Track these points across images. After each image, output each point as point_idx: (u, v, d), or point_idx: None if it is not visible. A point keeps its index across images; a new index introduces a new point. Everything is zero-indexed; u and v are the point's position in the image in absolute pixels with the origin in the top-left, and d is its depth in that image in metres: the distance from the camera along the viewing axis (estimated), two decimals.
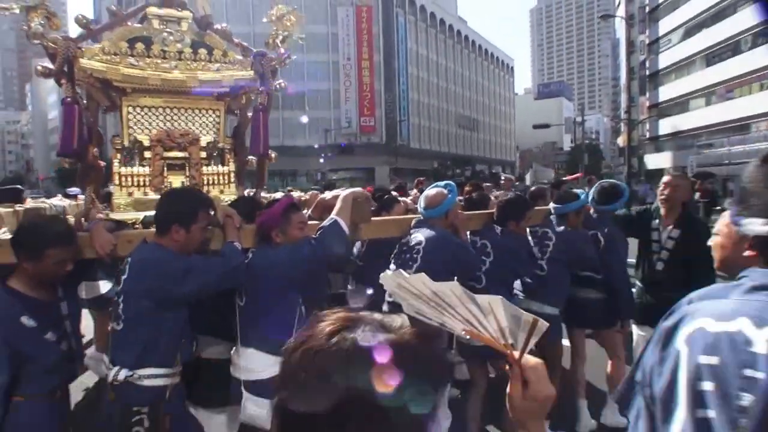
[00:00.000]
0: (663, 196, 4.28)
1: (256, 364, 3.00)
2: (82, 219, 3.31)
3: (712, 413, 1.10)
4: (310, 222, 3.29)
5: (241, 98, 4.02)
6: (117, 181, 3.63)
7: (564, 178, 16.68)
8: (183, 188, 3.48)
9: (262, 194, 4.27)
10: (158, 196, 3.18)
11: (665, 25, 49.09)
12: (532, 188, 5.71)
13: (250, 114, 3.98)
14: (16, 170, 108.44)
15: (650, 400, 1.32)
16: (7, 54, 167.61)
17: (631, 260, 4.55)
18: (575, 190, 4.80)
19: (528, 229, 4.38)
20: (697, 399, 1.14)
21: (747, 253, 1.75)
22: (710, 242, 1.90)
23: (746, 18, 37.13)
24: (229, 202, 3.66)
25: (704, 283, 1.75)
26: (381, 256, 3.94)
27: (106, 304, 5.05)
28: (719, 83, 42.00)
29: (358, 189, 3.69)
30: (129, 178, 3.63)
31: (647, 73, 52.33)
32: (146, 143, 3.64)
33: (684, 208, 4.32)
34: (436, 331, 1.04)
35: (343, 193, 3.44)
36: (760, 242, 1.41)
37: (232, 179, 3.95)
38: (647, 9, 51.94)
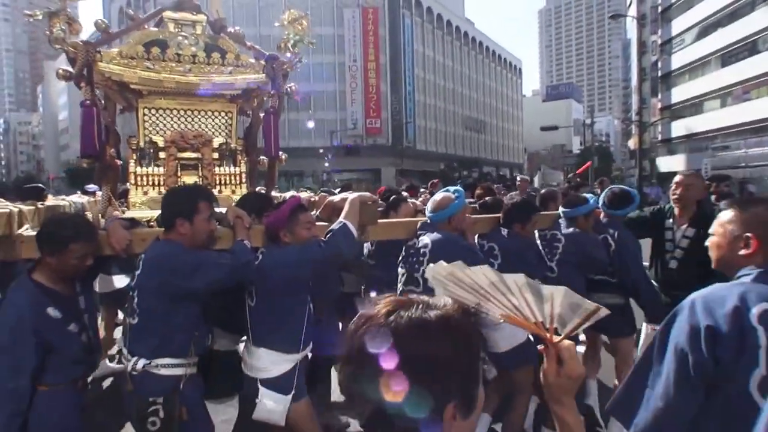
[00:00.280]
0: (675, 196, 4.26)
1: (267, 363, 3.10)
2: (100, 216, 3.42)
3: None
4: (318, 223, 3.38)
5: (253, 100, 4.12)
6: (132, 181, 3.74)
7: (577, 172, 16.63)
8: (183, 185, 3.56)
9: (273, 194, 4.36)
10: None
11: (678, 24, 48.26)
12: (543, 191, 5.69)
13: (261, 116, 4.07)
14: (27, 170, 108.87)
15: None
16: (20, 56, 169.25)
17: (645, 263, 4.50)
18: (585, 194, 4.80)
19: (537, 232, 4.41)
20: None
21: (742, 252, 1.83)
22: (707, 242, 1.98)
23: (764, 17, 36.78)
24: (240, 197, 3.76)
25: (719, 282, 1.81)
26: (391, 255, 4.00)
27: (122, 299, 5.18)
28: (735, 84, 41.13)
29: (366, 193, 3.78)
30: (144, 178, 3.74)
31: (659, 74, 51.63)
32: (161, 144, 3.75)
33: (699, 206, 4.28)
34: (474, 309, 1.22)
35: (351, 196, 3.52)
36: None
37: (244, 180, 4.05)
38: (659, 9, 51.23)
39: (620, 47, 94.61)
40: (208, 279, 2.82)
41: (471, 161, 71.48)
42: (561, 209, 4.52)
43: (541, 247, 4.33)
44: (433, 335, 0.96)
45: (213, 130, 3.91)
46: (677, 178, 4.35)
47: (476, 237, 4.15)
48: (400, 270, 3.77)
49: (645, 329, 4.27)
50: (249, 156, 4.11)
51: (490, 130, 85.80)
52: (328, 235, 3.23)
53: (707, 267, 1.95)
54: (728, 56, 42.50)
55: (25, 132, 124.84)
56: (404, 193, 6.16)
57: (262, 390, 3.08)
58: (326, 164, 50.23)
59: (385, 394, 0.94)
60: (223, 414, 3.84)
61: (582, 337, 4.62)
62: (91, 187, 6.17)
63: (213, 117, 3.91)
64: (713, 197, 7.27)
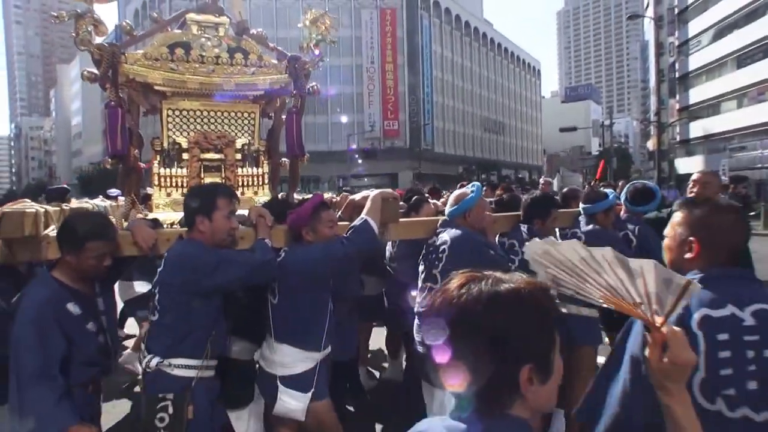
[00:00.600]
0: (693, 194, 4.28)
1: (290, 359, 3.10)
2: (123, 219, 3.45)
3: None
4: (340, 223, 3.38)
5: (275, 101, 4.12)
6: (156, 182, 3.77)
7: (596, 177, 16.61)
8: (202, 184, 3.57)
9: (295, 196, 4.37)
10: None
11: (695, 26, 48.23)
12: (565, 189, 5.66)
13: (283, 117, 4.08)
14: (39, 177, 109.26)
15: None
16: (32, 60, 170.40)
17: None
18: (604, 190, 4.78)
19: (557, 231, 4.38)
20: None
21: (687, 255, 1.80)
22: (664, 244, 1.97)
23: None
24: (263, 203, 3.76)
25: None
26: (413, 256, 3.99)
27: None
28: (751, 85, 41.18)
29: (388, 189, 3.77)
30: (168, 179, 3.76)
31: (677, 75, 51.47)
32: (184, 145, 3.77)
33: None
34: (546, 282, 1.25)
35: (372, 193, 3.53)
36: None
37: (266, 180, 4.06)
38: (676, 10, 51.11)
39: (638, 48, 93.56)
40: (229, 277, 2.83)
41: (490, 164, 71.18)
42: (581, 205, 4.51)
43: None
44: (502, 304, 1.04)
45: (236, 131, 3.93)
46: (695, 176, 4.45)
47: (497, 235, 4.14)
48: (420, 267, 3.78)
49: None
50: (271, 157, 4.12)
51: (508, 131, 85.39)
52: (349, 232, 3.24)
53: None
54: (744, 58, 42.59)
55: (37, 137, 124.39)
56: (426, 195, 6.15)
57: (281, 387, 3.08)
58: (358, 167, 49.74)
59: (458, 361, 1.05)
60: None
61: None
62: (113, 191, 6.23)
63: (236, 118, 3.93)
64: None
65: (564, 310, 3.70)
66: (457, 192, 3.92)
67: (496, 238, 4.11)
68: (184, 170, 3.77)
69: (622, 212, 4.57)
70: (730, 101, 44.78)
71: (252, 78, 3.75)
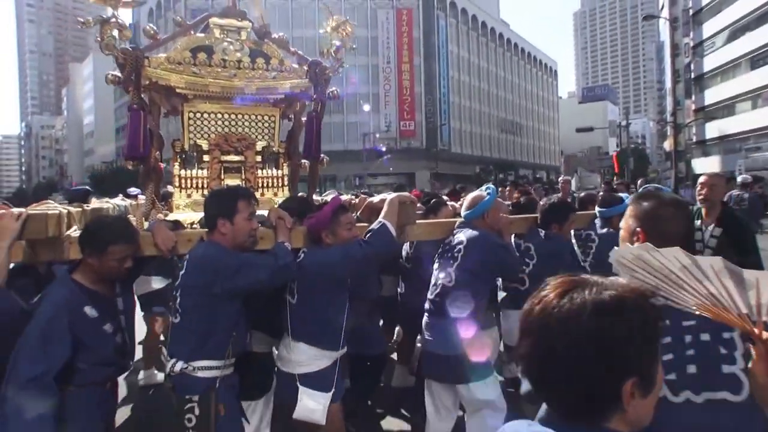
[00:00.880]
0: (701, 196, 4.43)
1: (306, 356, 3.16)
2: (143, 219, 3.50)
3: None
4: (358, 224, 3.43)
5: (295, 104, 4.16)
6: (177, 183, 3.82)
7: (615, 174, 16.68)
8: (222, 187, 3.61)
9: (314, 197, 4.41)
10: None
11: (709, 27, 48.09)
12: (582, 194, 5.66)
13: (303, 119, 4.11)
14: (49, 176, 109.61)
15: None
16: (44, 58, 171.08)
17: None
18: (620, 194, 4.78)
19: (573, 232, 4.40)
20: None
21: (635, 243, 1.84)
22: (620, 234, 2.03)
23: None
24: (281, 201, 3.81)
25: None
26: (430, 257, 4.02)
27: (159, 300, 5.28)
28: (764, 87, 41.09)
29: (405, 193, 3.81)
30: (188, 181, 3.81)
31: (692, 76, 51.15)
32: (205, 147, 3.81)
33: (723, 206, 4.43)
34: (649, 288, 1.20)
35: (389, 196, 3.57)
36: None
37: (286, 182, 4.10)
38: (691, 12, 50.81)
39: (654, 49, 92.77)
40: (250, 280, 2.88)
41: (507, 164, 70.75)
42: (597, 209, 4.54)
43: (576, 247, 4.33)
44: (608, 314, 0.99)
45: (256, 133, 3.96)
46: (702, 179, 4.54)
47: (513, 237, 4.15)
48: (435, 266, 3.82)
49: None
50: (291, 159, 4.16)
51: (526, 132, 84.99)
52: (367, 235, 3.29)
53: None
54: (757, 59, 42.55)
55: (48, 136, 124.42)
56: (445, 197, 6.16)
57: (301, 389, 3.12)
58: (387, 164, 49.38)
59: (558, 371, 1.01)
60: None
61: None
62: (133, 190, 6.29)
63: (256, 121, 3.97)
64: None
65: None
66: (472, 195, 3.95)
67: (512, 239, 4.13)
68: (205, 172, 3.82)
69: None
70: (744, 102, 44.71)
71: (273, 82, 3.78)
